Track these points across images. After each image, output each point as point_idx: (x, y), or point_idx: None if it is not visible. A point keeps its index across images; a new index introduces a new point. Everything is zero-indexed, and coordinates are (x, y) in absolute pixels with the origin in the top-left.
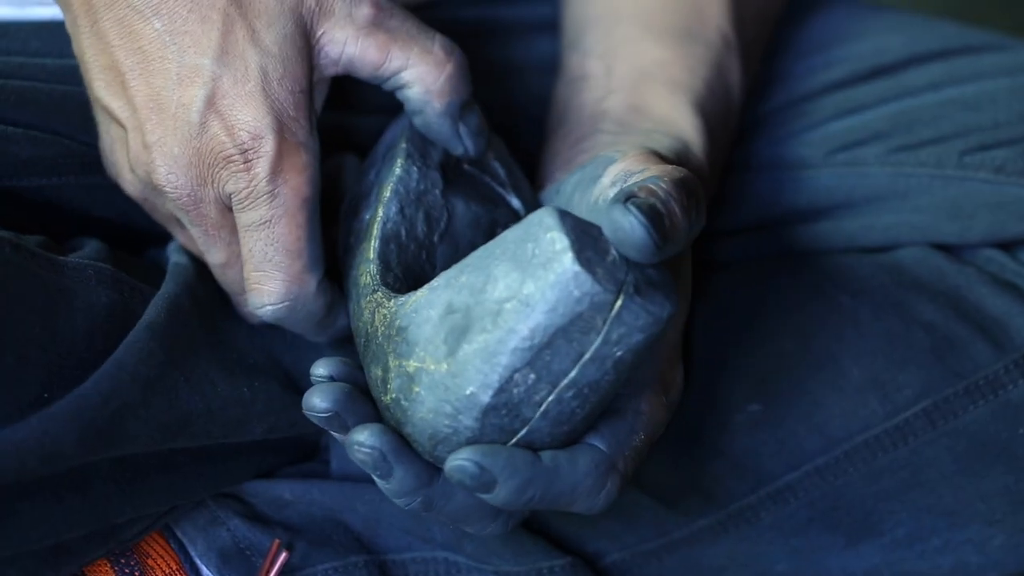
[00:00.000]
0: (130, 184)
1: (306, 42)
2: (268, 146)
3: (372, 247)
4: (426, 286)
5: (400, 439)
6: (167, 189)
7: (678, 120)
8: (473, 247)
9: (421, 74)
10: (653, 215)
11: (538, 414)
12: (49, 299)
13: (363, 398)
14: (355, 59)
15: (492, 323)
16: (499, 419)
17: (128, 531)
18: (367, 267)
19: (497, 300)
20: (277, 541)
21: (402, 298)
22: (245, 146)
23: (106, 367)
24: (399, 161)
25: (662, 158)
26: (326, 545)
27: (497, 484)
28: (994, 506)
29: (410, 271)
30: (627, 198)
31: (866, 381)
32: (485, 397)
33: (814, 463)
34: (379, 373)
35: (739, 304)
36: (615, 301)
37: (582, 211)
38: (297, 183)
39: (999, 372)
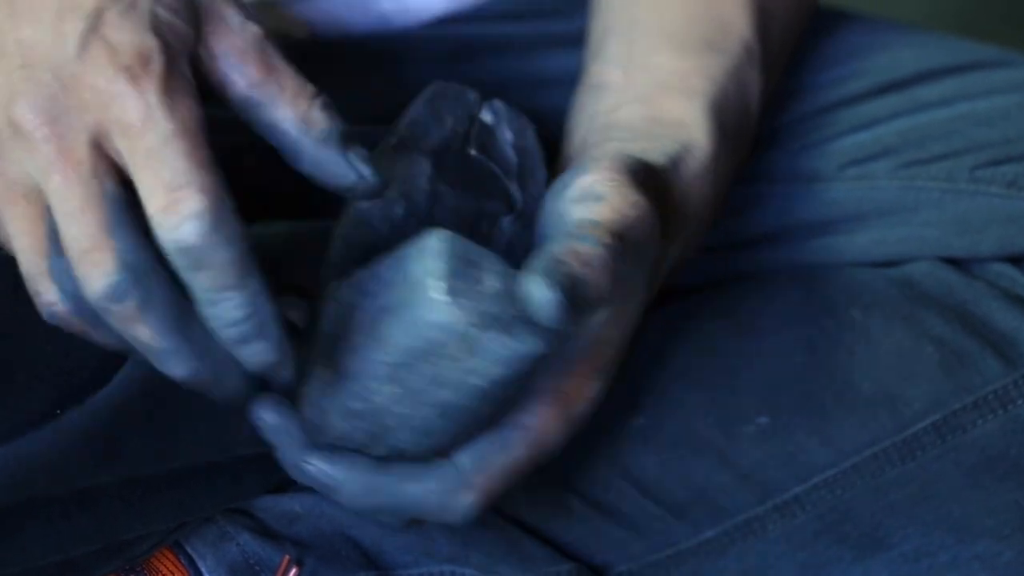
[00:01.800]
0: None
1: (197, 13)
2: (157, 67)
3: (338, 229)
4: (345, 280)
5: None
6: (28, 120)
7: (689, 124)
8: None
9: (295, 104)
10: (566, 290)
11: (399, 424)
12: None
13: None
14: (232, 67)
15: (367, 331)
16: (364, 423)
17: (138, 547)
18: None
19: (376, 310)
20: (287, 557)
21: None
22: (130, 64)
23: (117, 380)
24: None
25: (645, 169)
26: (335, 561)
27: (340, 489)
28: (1003, 522)
29: (375, 254)
30: (549, 263)
31: (875, 395)
32: (350, 402)
33: (822, 476)
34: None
35: (749, 316)
36: (477, 334)
37: (548, 222)
38: (191, 104)
39: (1008, 387)
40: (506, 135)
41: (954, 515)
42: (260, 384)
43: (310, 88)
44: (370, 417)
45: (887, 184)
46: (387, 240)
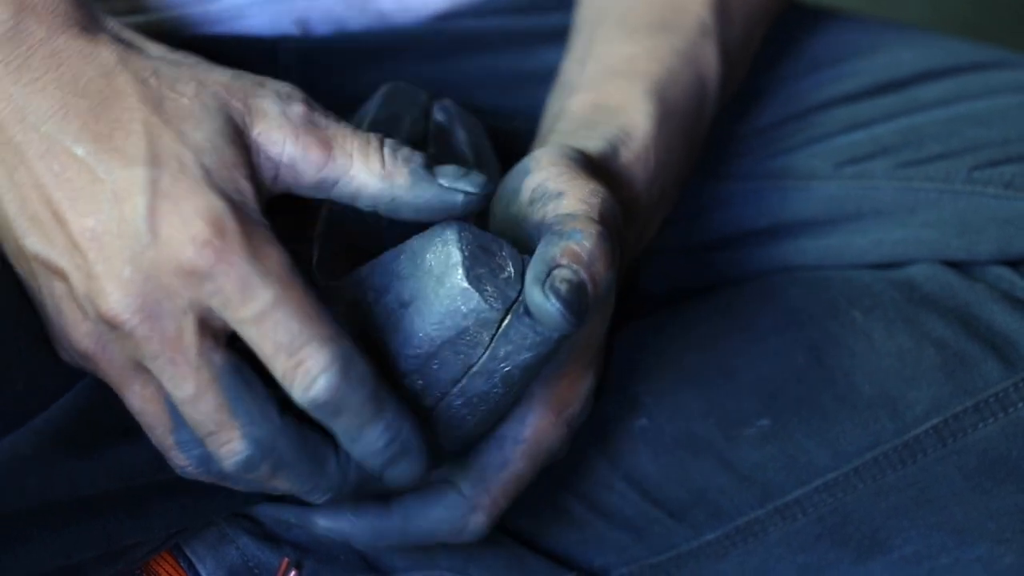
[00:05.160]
0: (84, 337)
1: (241, 138)
2: (232, 228)
3: (317, 231)
4: (345, 278)
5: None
6: (123, 317)
7: (628, 109)
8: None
9: (368, 164)
10: (572, 298)
11: (428, 418)
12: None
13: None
14: (297, 160)
15: (386, 327)
16: None
17: (138, 551)
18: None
19: (393, 306)
20: (286, 560)
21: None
22: (207, 236)
23: (56, 405)
24: None
25: (583, 158)
26: (334, 564)
27: (351, 539)
28: (1004, 525)
29: (357, 251)
30: (548, 272)
31: (877, 397)
32: None
33: (823, 479)
34: None
35: (750, 318)
36: (503, 319)
37: (504, 227)
38: (279, 254)
39: (1009, 390)
40: (460, 134)
41: (955, 518)
42: None
43: (372, 138)
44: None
45: (885, 184)
46: (364, 237)
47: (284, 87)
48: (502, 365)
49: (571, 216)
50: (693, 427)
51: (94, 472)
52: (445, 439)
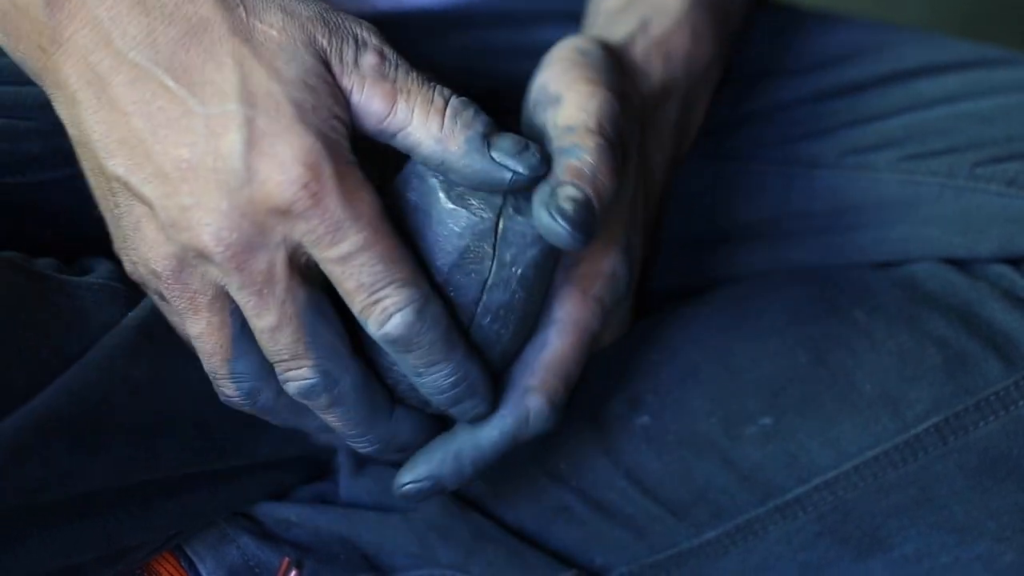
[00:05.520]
0: (162, 259)
1: (328, 73)
2: (328, 172)
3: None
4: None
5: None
6: (216, 250)
7: None
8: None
9: (427, 124)
10: (579, 217)
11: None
12: (61, 322)
13: None
14: (359, 108)
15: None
16: None
17: (139, 552)
18: None
19: (412, 225)
20: (287, 559)
21: None
22: (305, 180)
23: (44, 394)
24: None
25: (597, 49)
26: (334, 563)
27: (442, 477)
28: (1004, 523)
29: None
30: (552, 192)
31: (878, 396)
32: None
33: (824, 477)
34: None
35: (752, 316)
36: (496, 225)
37: (525, 127)
38: (370, 198)
39: (1010, 388)
40: None
41: (955, 516)
42: None
43: (438, 96)
44: None
45: (888, 176)
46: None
47: (362, 31)
48: (514, 269)
49: (569, 129)
50: (695, 425)
51: (92, 467)
52: (489, 362)
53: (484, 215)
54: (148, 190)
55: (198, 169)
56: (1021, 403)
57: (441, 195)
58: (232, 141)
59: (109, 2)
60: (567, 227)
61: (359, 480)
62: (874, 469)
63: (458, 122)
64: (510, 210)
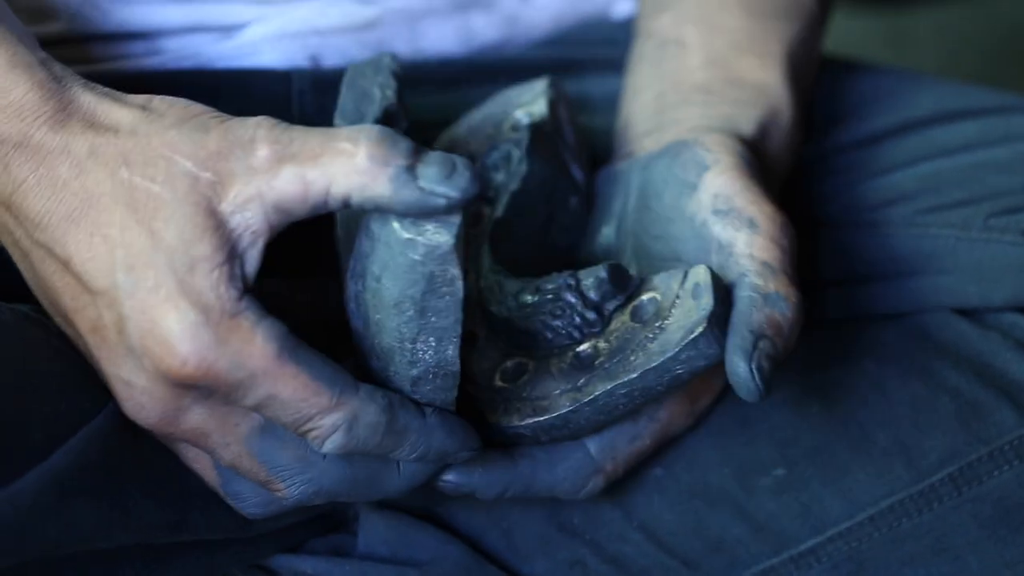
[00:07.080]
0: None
1: (209, 218)
2: (210, 341)
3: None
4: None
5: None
6: (146, 422)
7: (771, 88)
8: (532, 209)
9: (346, 174)
10: (769, 374)
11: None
12: (77, 376)
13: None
14: (280, 204)
15: (377, 308)
16: (430, 384)
17: None
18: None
19: (374, 285)
20: None
21: None
22: (192, 361)
23: (69, 444)
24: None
25: (745, 148)
26: None
27: (479, 493)
28: (1019, 573)
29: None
30: (755, 344)
31: (891, 446)
32: (409, 371)
33: (838, 528)
34: None
35: None
36: (451, 241)
37: (675, 219)
38: (264, 343)
39: None
40: (563, 114)
41: (971, 566)
42: None
43: (346, 143)
44: (432, 376)
45: (902, 232)
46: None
47: (247, 130)
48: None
49: (770, 268)
50: (708, 476)
51: (112, 524)
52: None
53: (443, 238)
54: (82, 347)
55: (108, 342)
56: None
57: (395, 225)
58: (123, 318)
59: (11, 186)
60: (760, 385)
61: (376, 531)
62: (888, 519)
63: (376, 162)
64: (461, 231)
